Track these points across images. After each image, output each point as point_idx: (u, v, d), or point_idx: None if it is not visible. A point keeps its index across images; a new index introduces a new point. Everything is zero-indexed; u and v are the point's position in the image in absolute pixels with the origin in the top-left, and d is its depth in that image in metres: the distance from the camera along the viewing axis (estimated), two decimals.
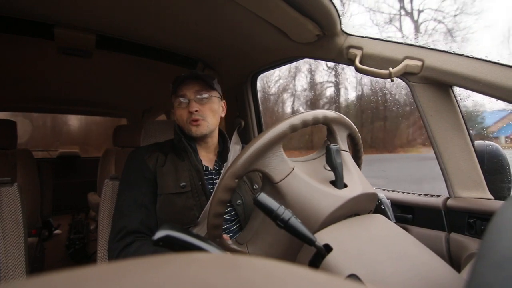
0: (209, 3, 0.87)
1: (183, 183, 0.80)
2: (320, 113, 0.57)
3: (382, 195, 0.82)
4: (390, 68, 0.78)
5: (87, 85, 2.04)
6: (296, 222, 0.41)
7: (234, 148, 0.93)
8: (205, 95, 0.85)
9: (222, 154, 0.92)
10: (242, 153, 0.51)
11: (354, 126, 0.65)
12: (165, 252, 0.61)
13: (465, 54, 0.70)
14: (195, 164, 0.83)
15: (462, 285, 0.37)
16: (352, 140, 0.67)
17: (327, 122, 0.59)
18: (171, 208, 0.78)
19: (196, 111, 0.82)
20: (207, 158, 0.91)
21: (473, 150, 0.77)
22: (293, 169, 0.52)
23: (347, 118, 0.63)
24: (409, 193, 0.92)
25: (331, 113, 0.59)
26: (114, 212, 0.79)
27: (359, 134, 0.67)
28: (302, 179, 0.51)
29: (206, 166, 0.88)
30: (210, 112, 0.86)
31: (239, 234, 0.58)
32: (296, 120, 0.53)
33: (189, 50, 1.30)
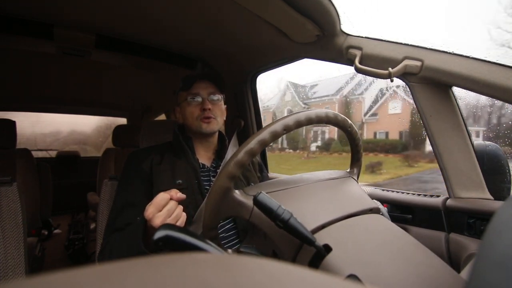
0: (208, 3, 0.87)
1: (179, 181, 0.81)
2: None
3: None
4: (390, 68, 0.78)
5: (87, 85, 2.05)
6: (295, 222, 0.41)
7: (232, 150, 0.94)
8: (217, 97, 0.89)
9: (220, 153, 0.94)
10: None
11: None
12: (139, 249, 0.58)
13: (464, 54, 0.70)
14: (192, 162, 0.84)
15: (461, 285, 0.38)
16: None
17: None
18: None
19: (209, 109, 0.85)
20: (205, 156, 0.92)
21: (472, 150, 0.77)
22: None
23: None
24: (408, 193, 0.92)
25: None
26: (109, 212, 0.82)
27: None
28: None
29: (203, 164, 0.89)
30: (220, 112, 0.90)
31: (248, 187, 0.54)
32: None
33: (189, 50, 1.30)
